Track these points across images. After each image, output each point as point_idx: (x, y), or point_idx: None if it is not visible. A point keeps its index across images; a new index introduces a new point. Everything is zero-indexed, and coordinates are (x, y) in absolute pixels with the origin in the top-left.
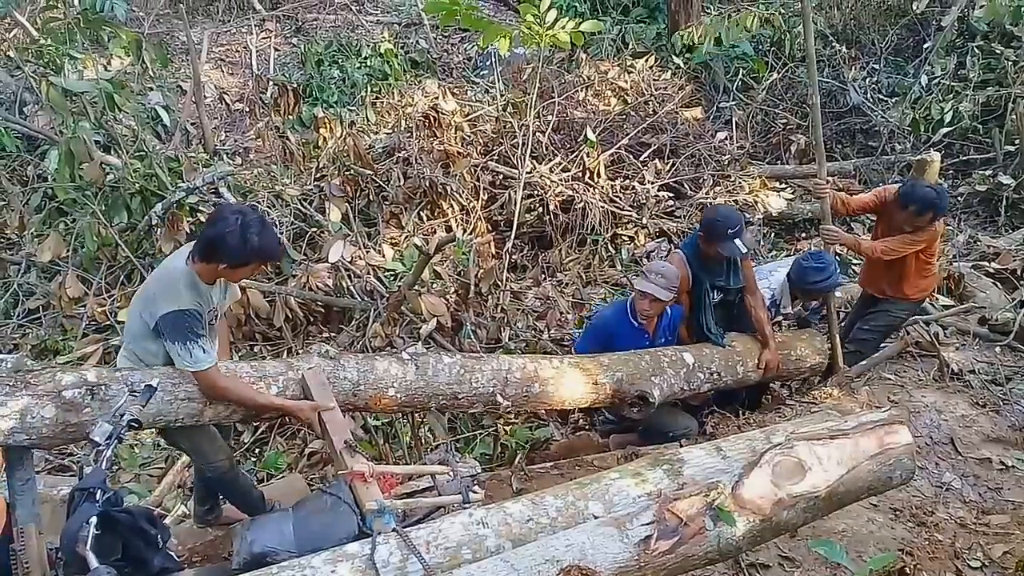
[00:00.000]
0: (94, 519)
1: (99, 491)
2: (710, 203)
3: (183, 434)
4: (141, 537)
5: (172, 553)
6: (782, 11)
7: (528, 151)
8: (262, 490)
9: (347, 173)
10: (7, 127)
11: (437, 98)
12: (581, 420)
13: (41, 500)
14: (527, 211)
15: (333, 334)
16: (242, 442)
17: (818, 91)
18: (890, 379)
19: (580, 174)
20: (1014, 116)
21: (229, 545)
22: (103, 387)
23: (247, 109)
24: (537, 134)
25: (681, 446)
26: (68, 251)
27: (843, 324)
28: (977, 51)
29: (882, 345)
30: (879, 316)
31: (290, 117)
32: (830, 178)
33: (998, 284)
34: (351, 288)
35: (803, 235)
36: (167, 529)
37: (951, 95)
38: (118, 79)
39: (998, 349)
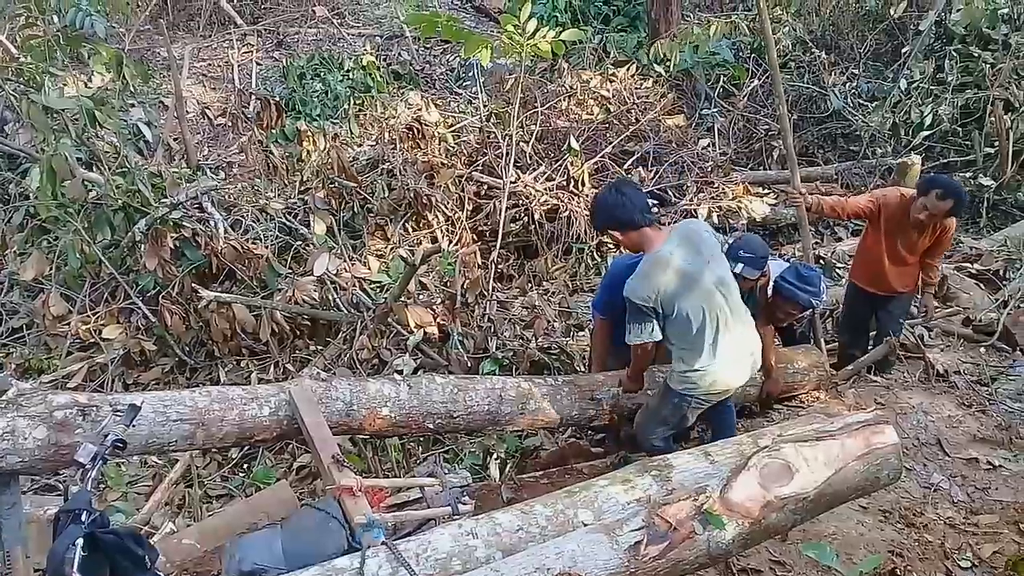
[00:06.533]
0: (80, 541)
1: (85, 512)
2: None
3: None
4: (128, 558)
5: (160, 573)
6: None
7: (512, 161)
8: (248, 501)
9: (331, 186)
10: None
11: (420, 109)
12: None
13: (28, 520)
14: (512, 221)
15: (320, 347)
16: (230, 457)
17: (784, 100)
18: (876, 381)
19: (564, 183)
20: (993, 118)
21: (218, 563)
22: (95, 408)
23: (230, 123)
24: (521, 144)
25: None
26: (51, 269)
27: (844, 331)
28: (955, 55)
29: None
30: (901, 312)
31: (273, 131)
32: (813, 183)
33: (981, 285)
34: (337, 301)
35: (786, 240)
36: (155, 549)
37: (930, 99)
38: (99, 96)
39: (983, 349)
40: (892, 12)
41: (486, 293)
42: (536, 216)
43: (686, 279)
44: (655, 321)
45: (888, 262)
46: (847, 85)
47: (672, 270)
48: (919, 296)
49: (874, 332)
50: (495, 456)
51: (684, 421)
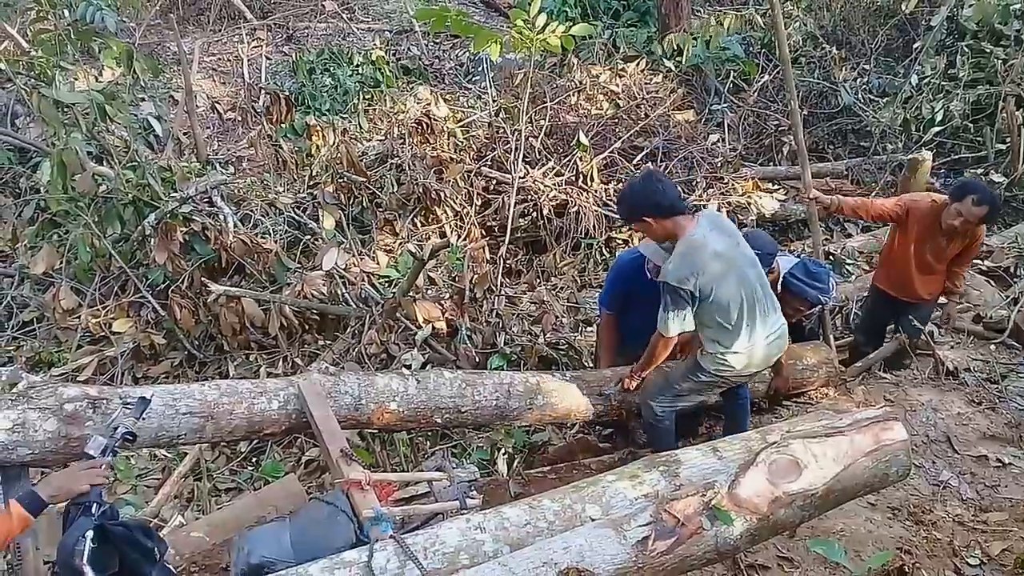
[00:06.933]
0: (90, 532)
1: (95, 505)
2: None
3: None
4: (138, 550)
5: (169, 566)
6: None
7: (521, 156)
8: (257, 494)
9: (340, 180)
10: None
11: (429, 104)
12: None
13: None
14: (521, 216)
15: (328, 342)
16: (239, 451)
17: (795, 96)
18: (886, 378)
19: (573, 178)
20: (1004, 114)
21: (227, 556)
22: (105, 401)
23: (239, 118)
24: (530, 139)
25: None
26: (61, 263)
27: (861, 332)
28: (967, 50)
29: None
30: (923, 319)
31: (282, 125)
32: (823, 179)
33: (991, 282)
34: (346, 295)
35: (796, 236)
36: (164, 542)
37: (941, 94)
38: (109, 90)
39: (993, 347)
40: (903, 7)
41: (494, 288)
42: (545, 211)
43: (723, 262)
44: (689, 308)
45: (915, 268)
46: (858, 81)
47: (709, 253)
48: (942, 303)
49: (891, 327)
50: (503, 451)
51: (699, 400)
